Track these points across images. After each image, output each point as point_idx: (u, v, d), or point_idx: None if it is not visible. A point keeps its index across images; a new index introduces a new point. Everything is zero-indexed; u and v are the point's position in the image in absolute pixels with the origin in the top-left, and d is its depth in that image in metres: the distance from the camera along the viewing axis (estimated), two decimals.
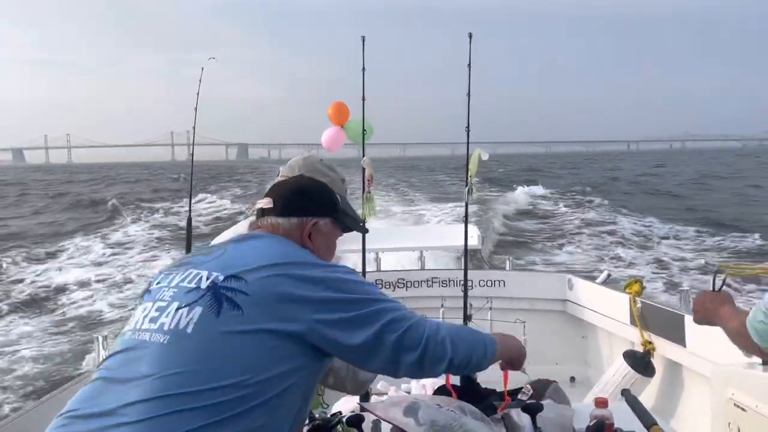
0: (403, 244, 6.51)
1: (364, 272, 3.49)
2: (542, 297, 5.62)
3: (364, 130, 3.09)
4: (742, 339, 1.85)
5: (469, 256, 4.82)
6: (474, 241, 6.03)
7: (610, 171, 61.23)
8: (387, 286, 5.62)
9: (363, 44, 3.23)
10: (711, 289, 2.10)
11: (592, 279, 5.63)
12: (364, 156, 3.06)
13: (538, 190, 32.04)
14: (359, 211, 3.09)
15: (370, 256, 6.49)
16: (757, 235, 17.59)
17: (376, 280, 5.64)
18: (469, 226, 6.38)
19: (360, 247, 6.24)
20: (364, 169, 3.07)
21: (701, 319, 2.09)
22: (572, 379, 5.42)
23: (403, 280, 5.65)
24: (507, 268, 6.10)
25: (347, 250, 6.09)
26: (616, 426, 2.07)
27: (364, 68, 3.23)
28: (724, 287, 2.09)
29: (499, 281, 5.65)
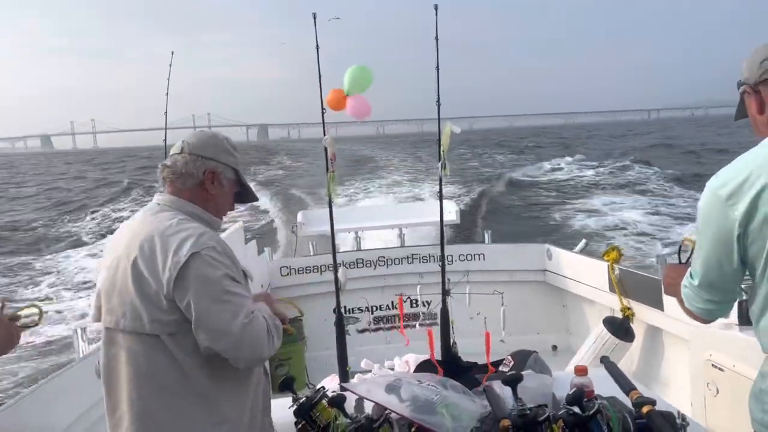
0: (381, 222, 6.50)
1: (334, 251, 3.45)
2: (522, 268, 5.66)
3: (323, 109, 3.03)
4: (684, 307, 1.87)
5: (447, 231, 4.83)
6: (452, 216, 6.04)
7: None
8: (368, 265, 5.62)
9: (314, 22, 3.17)
10: (678, 261, 2.10)
11: (571, 248, 5.67)
12: (325, 135, 2.99)
13: None
14: (325, 191, 3.03)
15: (350, 236, 6.48)
16: None
17: (357, 259, 5.64)
18: (448, 201, 6.39)
19: (341, 226, 6.21)
20: (326, 149, 3.00)
21: (670, 293, 2.10)
22: (554, 347, 5.49)
23: (384, 257, 5.65)
24: (486, 241, 6.12)
25: (317, 231, 6.07)
26: (596, 393, 2.09)
27: (317, 46, 3.17)
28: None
29: (479, 254, 5.67)
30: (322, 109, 3.05)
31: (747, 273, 1.73)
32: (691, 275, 1.81)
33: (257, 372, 2.05)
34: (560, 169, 32.37)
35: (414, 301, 4.95)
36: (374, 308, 5.61)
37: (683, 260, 2.07)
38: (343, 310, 5.52)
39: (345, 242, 7.27)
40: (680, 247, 2.10)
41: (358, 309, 5.60)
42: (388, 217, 6.56)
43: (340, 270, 3.09)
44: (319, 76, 3.14)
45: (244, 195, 2.20)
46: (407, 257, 5.63)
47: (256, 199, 2.28)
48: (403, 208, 7.84)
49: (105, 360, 1.95)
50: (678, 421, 1.83)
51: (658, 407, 1.88)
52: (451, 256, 5.57)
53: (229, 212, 2.18)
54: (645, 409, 1.83)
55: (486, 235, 6.20)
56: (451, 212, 6.02)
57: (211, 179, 2.06)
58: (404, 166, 34.83)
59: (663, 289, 2.11)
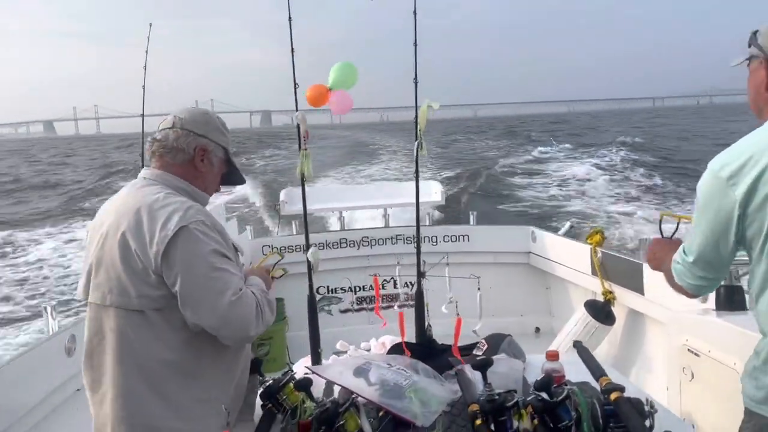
0: (363, 203, 6.45)
1: (306, 232, 3.41)
2: (506, 250, 5.64)
3: (296, 84, 2.96)
4: (672, 282, 1.91)
5: (436, 212, 4.81)
6: (437, 196, 6.00)
7: None
8: (351, 245, 5.58)
9: None
10: (660, 236, 2.10)
11: (555, 230, 5.66)
12: (297, 110, 2.93)
13: None
14: (298, 169, 2.98)
15: (334, 215, 6.44)
16: None
17: (340, 239, 5.60)
18: (434, 182, 6.34)
19: (323, 206, 6.14)
20: (299, 126, 2.94)
21: (654, 267, 2.12)
22: (537, 329, 5.49)
23: (368, 238, 5.62)
24: (471, 222, 6.10)
25: (300, 210, 6.01)
26: (567, 378, 2.06)
27: (290, 18, 3.13)
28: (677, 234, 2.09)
29: (463, 236, 5.65)
30: (295, 84, 2.99)
31: (745, 253, 1.76)
32: (684, 252, 1.83)
33: (246, 348, 2.03)
34: (554, 155, 32.43)
35: (395, 282, 4.93)
36: (357, 288, 5.59)
37: (666, 234, 2.10)
38: (326, 289, 5.55)
39: (334, 223, 7.23)
40: (660, 221, 2.11)
41: (341, 289, 5.58)
42: (371, 197, 6.52)
43: (311, 250, 3.04)
44: (292, 50, 3.09)
45: (231, 176, 2.15)
46: (391, 238, 5.60)
47: (243, 182, 2.24)
48: (387, 188, 7.80)
49: (89, 336, 1.90)
50: (646, 408, 1.81)
51: (629, 393, 1.86)
52: (435, 237, 5.54)
53: (214, 192, 2.13)
54: (613, 396, 1.81)
55: (471, 217, 6.18)
56: (437, 192, 5.99)
57: (201, 156, 2.01)
58: (401, 150, 34.80)
59: (648, 264, 2.13)
